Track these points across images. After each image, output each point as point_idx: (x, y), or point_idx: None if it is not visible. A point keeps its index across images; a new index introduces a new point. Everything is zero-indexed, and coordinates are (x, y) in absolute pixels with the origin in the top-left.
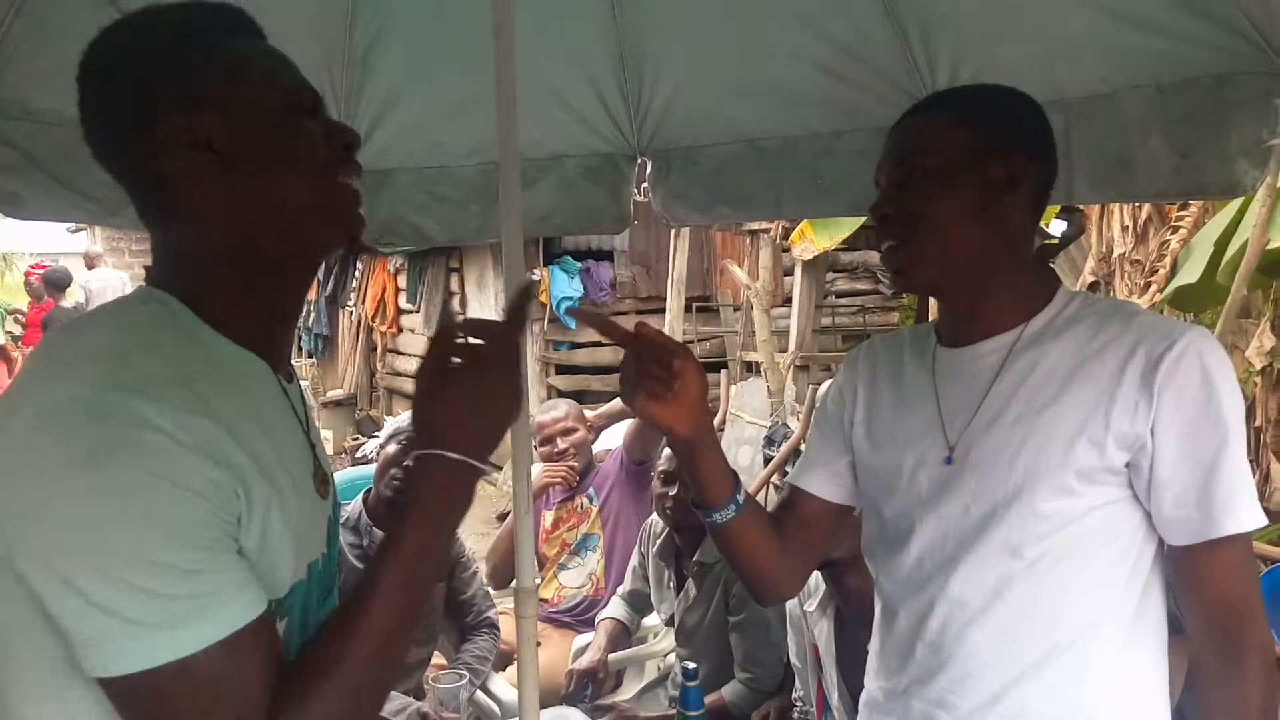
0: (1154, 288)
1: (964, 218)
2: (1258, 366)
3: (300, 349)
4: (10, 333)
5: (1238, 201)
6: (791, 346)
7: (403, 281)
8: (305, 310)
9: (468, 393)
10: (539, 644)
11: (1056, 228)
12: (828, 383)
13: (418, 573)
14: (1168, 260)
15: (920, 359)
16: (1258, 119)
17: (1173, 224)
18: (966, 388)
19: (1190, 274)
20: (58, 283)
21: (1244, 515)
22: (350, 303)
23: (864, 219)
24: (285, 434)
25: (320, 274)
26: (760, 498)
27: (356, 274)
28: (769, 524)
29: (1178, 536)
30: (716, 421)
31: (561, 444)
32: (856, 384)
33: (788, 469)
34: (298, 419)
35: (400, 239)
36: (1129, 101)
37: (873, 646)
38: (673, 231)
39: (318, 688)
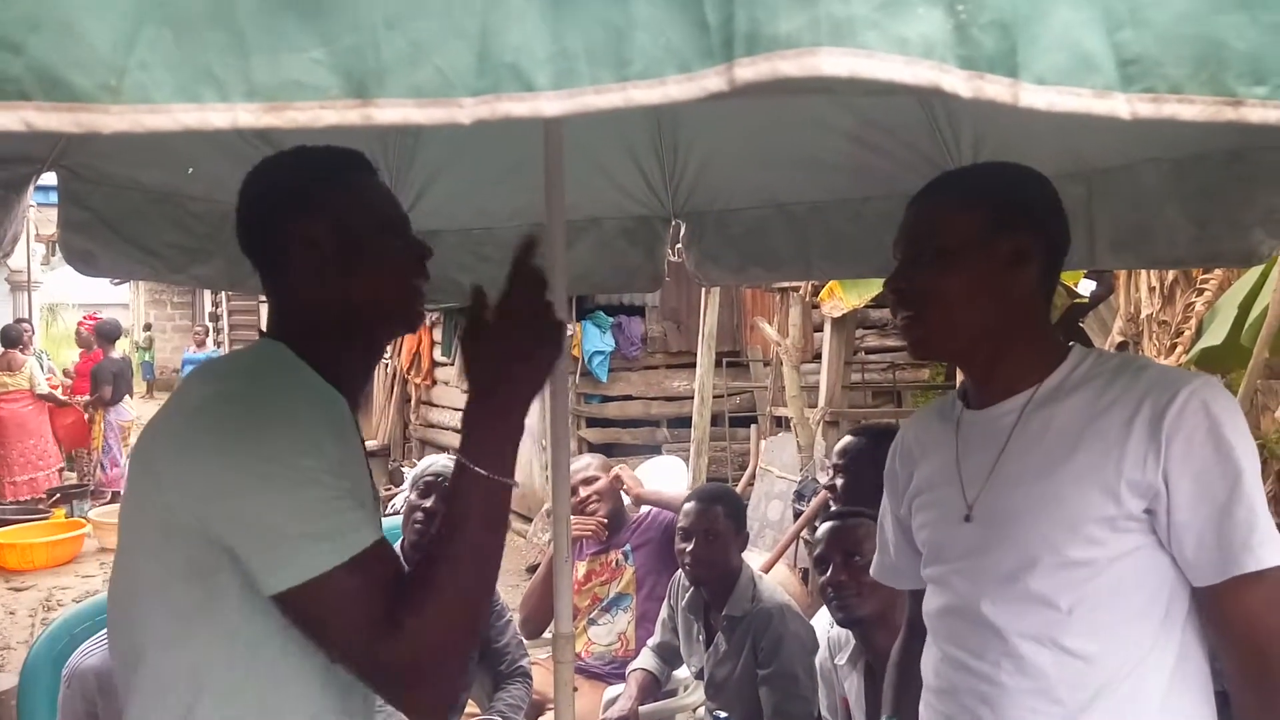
0: (1180, 349)
1: (972, 294)
2: None
3: None
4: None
5: (1262, 265)
6: (821, 402)
7: (438, 335)
8: None
9: (503, 343)
10: (575, 689)
11: (1086, 288)
12: (844, 440)
13: (494, 501)
14: (1193, 322)
15: (947, 423)
16: (1272, 191)
17: (1198, 286)
18: (984, 448)
19: (1215, 336)
20: (108, 335)
21: (1262, 551)
22: (386, 355)
23: None
24: (357, 454)
25: None
26: (790, 552)
27: None
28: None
29: (1201, 577)
30: (746, 476)
31: (583, 491)
32: (901, 465)
33: (816, 524)
34: (361, 446)
35: (445, 296)
36: (1147, 173)
37: (924, 697)
38: (703, 288)
39: (426, 602)
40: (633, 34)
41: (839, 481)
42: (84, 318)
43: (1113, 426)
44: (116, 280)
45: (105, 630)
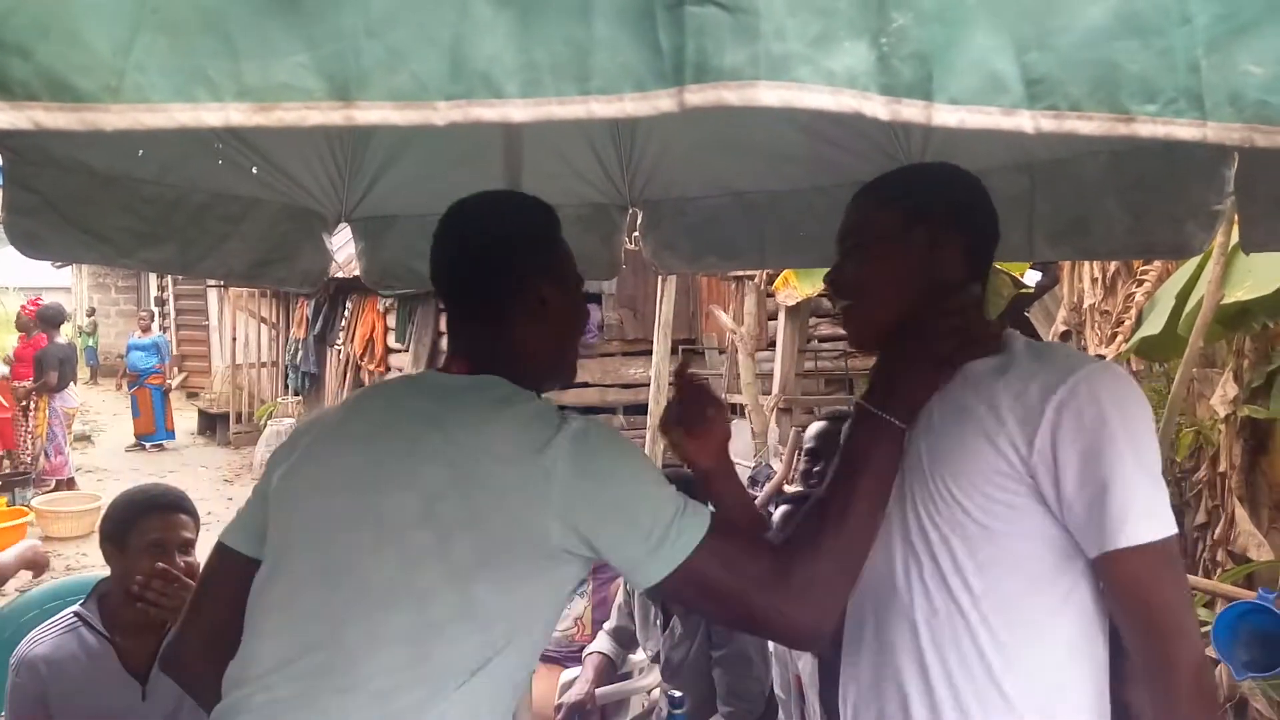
0: (1120, 338)
1: (895, 282)
2: (1222, 414)
3: (286, 386)
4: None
5: (1198, 257)
6: (775, 389)
7: (392, 321)
8: (294, 349)
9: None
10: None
11: (1031, 278)
12: (815, 424)
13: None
14: (1133, 312)
15: None
16: (1206, 186)
17: (1138, 277)
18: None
19: (1154, 326)
20: (52, 319)
21: (1136, 529)
22: (339, 341)
23: None
24: None
25: (309, 312)
26: None
27: (346, 313)
28: None
29: (1088, 549)
30: None
31: None
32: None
33: (770, 510)
34: None
35: (400, 283)
36: (1087, 165)
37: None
38: (659, 275)
39: (806, 563)
40: (594, 51)
41: (820, 466)
42: (27, 302)
43: (1005, 401)
44: (58, 263)
45: (54, 618)
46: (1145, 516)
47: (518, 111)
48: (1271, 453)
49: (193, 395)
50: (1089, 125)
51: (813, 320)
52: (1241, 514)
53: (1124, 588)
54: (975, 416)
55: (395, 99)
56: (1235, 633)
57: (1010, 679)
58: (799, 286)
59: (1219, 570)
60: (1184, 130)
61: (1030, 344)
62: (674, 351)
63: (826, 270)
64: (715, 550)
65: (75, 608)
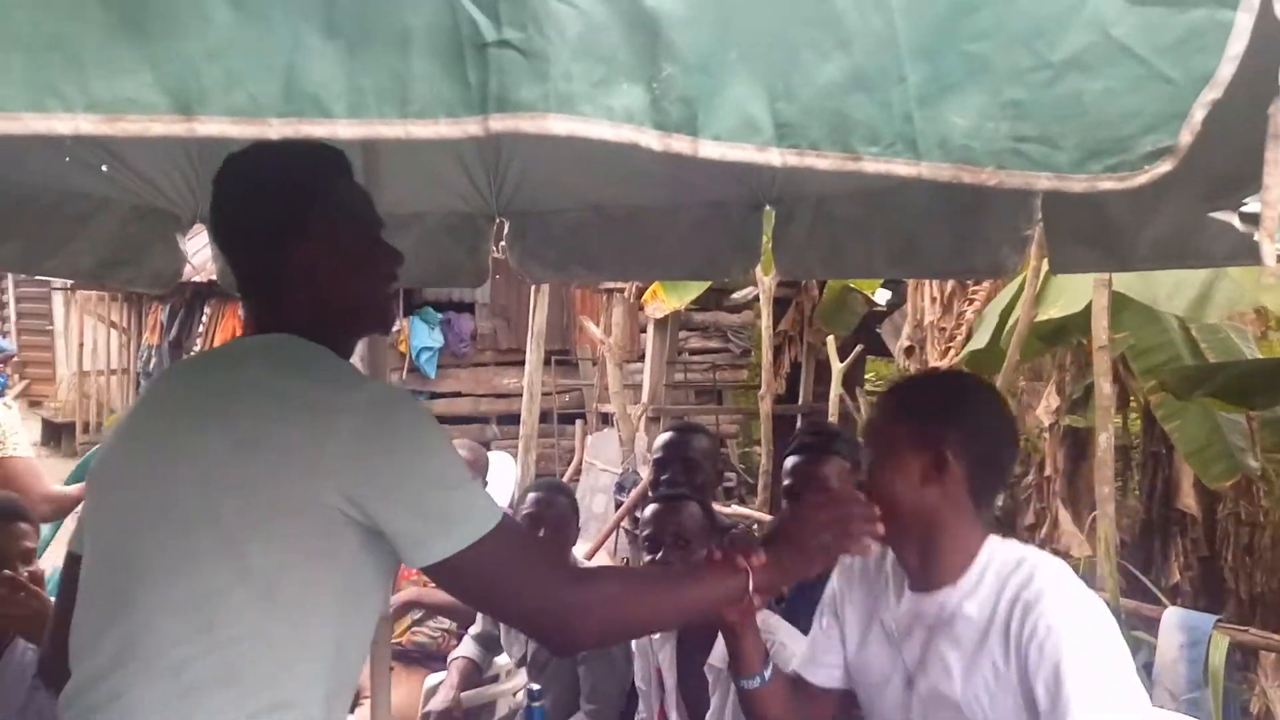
0: (953, 352)
1: (895, 496)
2: (1046, 424)
3: (138, 394)
4: None
5: (1021, 279)
6: (644, 399)
7: None
8: (146, 355)
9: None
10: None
11: (882, 297)
12: (663, 435)
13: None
14: (965, 328)
15: (900, 593)
16: (1016, 213)
17: (969, 296)
18: (920, 631)
19: (980, 341)
20: None
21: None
22: (196, 348)
23: (710, 282)
24: None
25: (164, 317)
26: (610, 541)
27: (205, 319)
28: (790, 696)
29: None
30: (571, 469)
31: None
32: (848, 595)
33: (637, 515)
34: None
35: None
36: (917, 193)
37: None
38: (533, 286)
39: (605, 587)
40: (412, 82)
41: (667, 475)
42: None
43: (994, 630)
44: None
45: None
46: (1097, 705)
47: (344, 130)
48: (1090, 458)
49: (35, 404)
50: (824, 162)
51: (683, 333)
52: (1064, 515)
53: None
54: (976, 654)
55: (233, 115)
56: None
57: None
58: (666, 300)
59: None
60: (902, 168)
61: (997, 566)
62: (547, 362)
63: (694, 283)
64: (506, 542)
65: None
